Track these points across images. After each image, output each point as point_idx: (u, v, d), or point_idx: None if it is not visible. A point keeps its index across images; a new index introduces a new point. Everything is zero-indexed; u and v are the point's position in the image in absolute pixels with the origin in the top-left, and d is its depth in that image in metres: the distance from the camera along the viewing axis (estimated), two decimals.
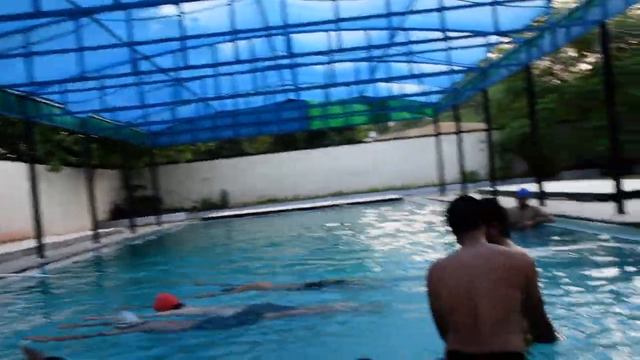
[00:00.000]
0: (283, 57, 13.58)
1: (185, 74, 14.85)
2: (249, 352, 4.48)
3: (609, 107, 11.11)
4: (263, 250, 11.96)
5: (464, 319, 3.01)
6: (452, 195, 22.00)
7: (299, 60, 15.01)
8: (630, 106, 23.87)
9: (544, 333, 3.37)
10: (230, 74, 15.06)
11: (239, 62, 12.44)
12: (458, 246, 3.27)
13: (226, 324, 5.07)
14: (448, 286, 3.08)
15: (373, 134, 40.96)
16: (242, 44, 14.21)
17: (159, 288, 7.59)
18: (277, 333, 4.86)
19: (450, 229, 3.29)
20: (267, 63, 15.10)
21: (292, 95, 22.03)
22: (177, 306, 5.68)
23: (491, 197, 3.82)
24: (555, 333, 3.46)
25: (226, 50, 14.65)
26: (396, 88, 20.25)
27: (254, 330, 4.97)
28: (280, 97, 22.61)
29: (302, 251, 11.23)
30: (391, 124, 52.91)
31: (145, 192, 27.29)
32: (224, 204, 28.86)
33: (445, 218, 3.32)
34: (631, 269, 6.26)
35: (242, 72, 14.91)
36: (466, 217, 3.21)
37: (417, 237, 11.06)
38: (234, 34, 11.52)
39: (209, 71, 14.76)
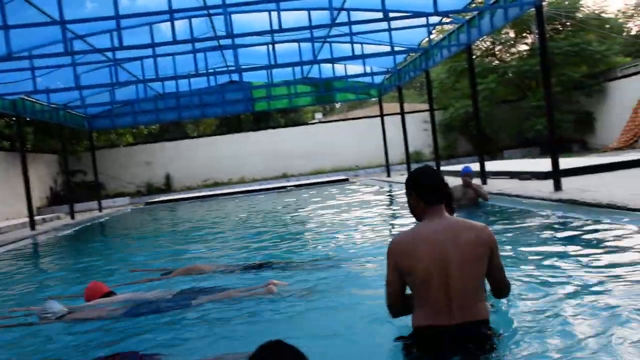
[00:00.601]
0: (224, 37, 13.25)
1: (122, 54, 14.33)
2: (178, 336, 4.38)
3: (546, 87, 11.32)
4: (208, 234, 11.75)
5: (437, 291, 3.01)
6: (398, 175, 22.25)
7: (240, 40, 14.69)
8: (566, 86, 24.60)
9: (504, 293, 3.40)
10: (170, 54, 14.62)
11: (177, 42, 12.06)
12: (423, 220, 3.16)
13: (157, 309, 4.92)
14: (420, 259, 3.02)
15: (319, 116, 40.83)
16: (181, 23, 13.79)
17: (94, 276, 7.36)
18: (206, 316, 4.76)
19: (422, 196, 3.14)
20: (207, 44, 14.72)
21: (234, 77, 21.65)
22: (108, 294, 5.46)
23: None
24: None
25: (165, 30, 14.20)
26: (340, 69, 20.16)
27: (184, 314, 4.86)
28: (222, 79, 22.17)
29: (247, 233, 11.08)
30: (337, 105, 53.04)
31: (85, 178, 26.48)
32: (168, 187, 28.34)
33: (419, 186, 3.16)
34: (567, 243, 6.41)
35: (182, 53, 14.48)
36: (441, 189, 3.16)
37: (361, 218, 11.08)
38: (172, 13, 11.13)
39: (147, 52, 14.30)
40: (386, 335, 3.58)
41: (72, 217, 19.67)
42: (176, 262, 7.90)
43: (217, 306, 4.98)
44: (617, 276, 4.74)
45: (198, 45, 14.47)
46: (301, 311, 4.68)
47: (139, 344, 4.18)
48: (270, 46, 15.58)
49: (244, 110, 25.33)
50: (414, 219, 3.31)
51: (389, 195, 16.27)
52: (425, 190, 3.14)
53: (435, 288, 3.02)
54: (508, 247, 6.52)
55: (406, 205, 3.36)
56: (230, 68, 18.76)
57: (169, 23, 12.73)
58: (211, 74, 17.65)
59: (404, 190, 3.32)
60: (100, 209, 22.65)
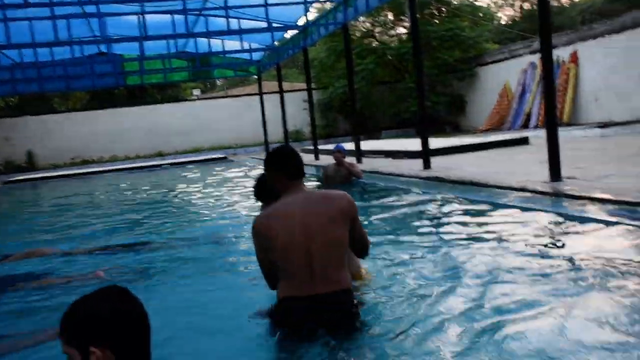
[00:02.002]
0: (87, 3, 12.26)
1: None
2: None
3: (417, 70, 11.50)
4: (70, 215, 10.92)
5: (299, 263, 3.09)
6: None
7: (107, 8, 13.70)
8: (441, 70, 25.49)
9: (365, 252, 3.52)
10: (25, 19, 13.32)
11: (29, 4, 10.96)
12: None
13: None
14: (282, 233, 3.10)
15: (197, 92, 39.65)
16: None
17: None
18: (30, 302, 4.46)
19: (282, 174, 3.24)
20: (69, 9, 13.56)
21: (103, 48, 20.27)
22: None
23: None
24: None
25: None
26: (217, 44, 19.50)
27: (8, 300, 4.53)
28: (90, 50, 20.66)
29: (113, 214, 10.44)
30: (219, 83, 51.90)
31: None
32: (31, 165, 26.26)
33: (277, 163, 3.26)
34: (429, 218, 6.60)
35: (40, 18, 13.22)
36: (300, 165, 3.28)
37: (232, 197, 10.84)
38: None
39: None
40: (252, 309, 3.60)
41: None
42: (29, 245, 7.22)
43: (45, 291, 4.64)
44: (478, 247, 4.95)
45: (58, 10, 13.28)
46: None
47: None
48: (141, 16, 14.69)
49: (114, 84, 23.95)
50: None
51: None
52: (282, 166, 3.24)
53: (297, 259, 3.09)
54: (375, 222, 6.72)
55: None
56: (97, 38, 17.52)
57: None
58: (75, 43, 16.37)
59: (264, 168, 3.38)
60: None
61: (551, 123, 7.46)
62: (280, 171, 3.24)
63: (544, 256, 4.45)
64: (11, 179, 22.19)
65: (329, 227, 3.12)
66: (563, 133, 7.76)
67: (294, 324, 3.15)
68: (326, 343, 3.07)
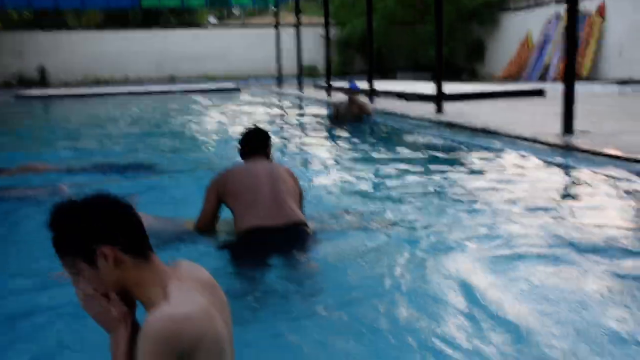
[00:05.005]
0: None
1: None
2: None
3: (437, 12, 11.25)
4: (78, 132, 10.96)
5: (265, 196, 3.40)
6: (290, 88, 21.86)
7: None
8: (462, 15, 24.86)
9: None
10: None
11: None
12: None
13: None
14: (244, 175, 3.55)
15: (213, 20, 38.92)
16: None
17: None
18: None
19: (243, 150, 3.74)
20: None
21: None
22: None
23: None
24: None
25: None
26: None
27: None
28: None
29: (118, 135, 10.46)
30: (236, 13, 50.91)
31: None
32: (43, 82, 26.13)
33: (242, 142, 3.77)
34: (441, 161, 6.62)
35: None
36: (264, 141, 3.80)
37: (238, 127, 10.79)
38: None
39: None
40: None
41: None
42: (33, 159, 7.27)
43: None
44: (483, 194, 4.97)
45: None
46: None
47: None
48: None
49: (130, 5, 23.55)
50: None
51: (278, 106, 15.98)
52: (247, 143, 3.76)
53: (261, 195, 3.42)
54: (381, 161, 6.74)
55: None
56: None
57: None
58: None
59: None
60: None
61: (570, 75, 7.31)
62: (244, 146, 3.76)
63: (549, 209, 4.41)
64: (23, 94, 22.14)
65: (289, 181, 3.59)
66: (581, 87, 7.63)
67: (256, 254, 3.35)
68: (287, 272, 3.30)
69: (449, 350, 2.37)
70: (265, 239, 3.33)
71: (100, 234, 1.64)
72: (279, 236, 3.34)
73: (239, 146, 3.78)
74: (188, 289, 1.66)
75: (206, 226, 3.65)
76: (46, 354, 2.49)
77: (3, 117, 15.93)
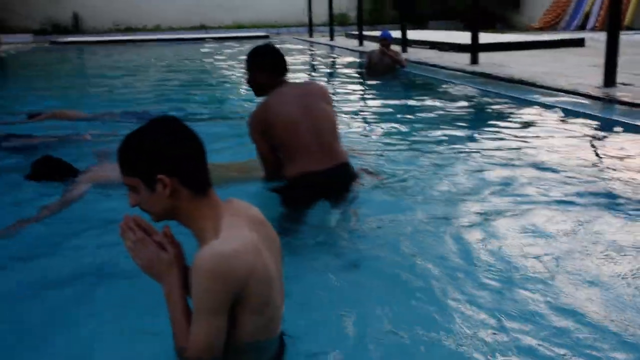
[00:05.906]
0: None
1: None
2: None
3: None
4: (110, 79, 11.03)
5: (308, 141, 3.25)
6: (320, 36, 21.58)
7: None
8: None
9: None
10: None
11: None
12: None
13: None
14: (283, 117, 3.26)
15: None
16: None
17: None
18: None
19: (269, 71, 3.38)
20: None
21: None
22: None
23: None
24: None
25: None
26: None
27: None
28: None
29: (156, 82, 10.52)
30: None
31: None
32: (76, 29, 26.21)
33: (263, 60, 3.39)
34: (477, 114, 6.61)
35: None
36: (285, 61, 3.45)
37: None
38: None
39: None
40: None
41: None
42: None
43: None
44: (519, 148, 4.91)
45: None
46: None
47: None
48: None
49: None
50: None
51: (310, 55, 15.82)
52: (269, 62, 3.39)
53: (307, 137, 3.26)
54: (415, 113, 6.68)
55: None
56: None
57: None
58: None
59: (246, 66, 3.45)
60: None
61: (614, 24, 7.05)
62: (263, 68, 3.38)
63: (587, 165, 4.33)
64: (57, 40, 22.26)
65: (324, 106, 3.39)
66: (623, 37, 7.34)
67: (307, 199, 3.34)
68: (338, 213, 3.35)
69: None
70: (313, 183, 3.28)
71: (162, 163, 1.66)
72: (326, 179, 3.29)
73: (261, 72, 3.38)
74: (239, 225, 1.72)
75: (274, 172, 3.45)
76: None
77: (38, 62, 16.10)
